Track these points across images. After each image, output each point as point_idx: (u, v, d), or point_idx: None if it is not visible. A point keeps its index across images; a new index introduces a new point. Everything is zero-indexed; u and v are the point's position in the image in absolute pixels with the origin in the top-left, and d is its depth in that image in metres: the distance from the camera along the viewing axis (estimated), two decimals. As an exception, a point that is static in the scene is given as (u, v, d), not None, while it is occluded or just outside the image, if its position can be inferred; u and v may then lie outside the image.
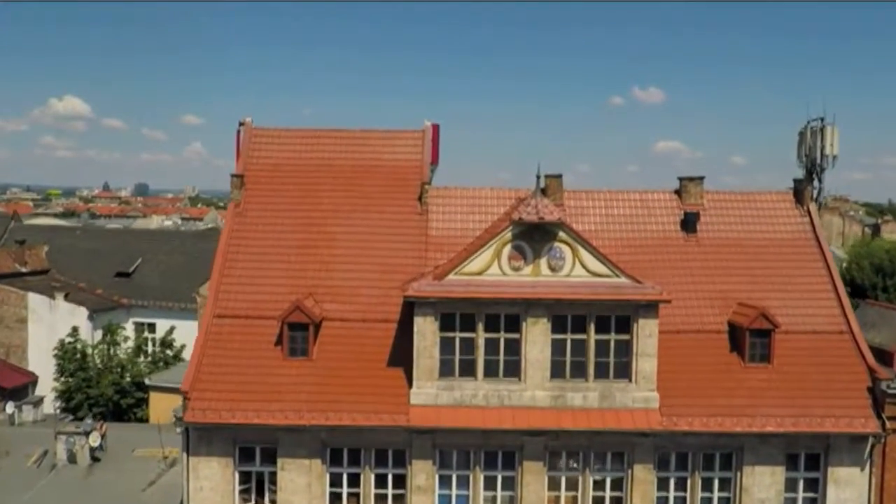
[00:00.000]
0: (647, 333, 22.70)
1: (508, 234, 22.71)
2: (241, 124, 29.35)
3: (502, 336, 22.76)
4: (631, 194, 28.18)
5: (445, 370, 22.81)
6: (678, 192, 28.16)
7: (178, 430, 22.66)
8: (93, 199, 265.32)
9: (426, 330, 22.63)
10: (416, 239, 26.59)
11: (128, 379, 39.62)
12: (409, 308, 22.94)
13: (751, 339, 24.08)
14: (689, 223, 27.19)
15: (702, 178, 28.03)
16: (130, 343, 43.10)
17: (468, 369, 22.81)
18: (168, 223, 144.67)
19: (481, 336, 22.72)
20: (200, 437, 22.80)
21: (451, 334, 22.76)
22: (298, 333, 23.79)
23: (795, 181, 28.69)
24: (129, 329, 44.96)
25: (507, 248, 22.71)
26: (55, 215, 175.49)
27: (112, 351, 41.93)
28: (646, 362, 22.75)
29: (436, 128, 29.62)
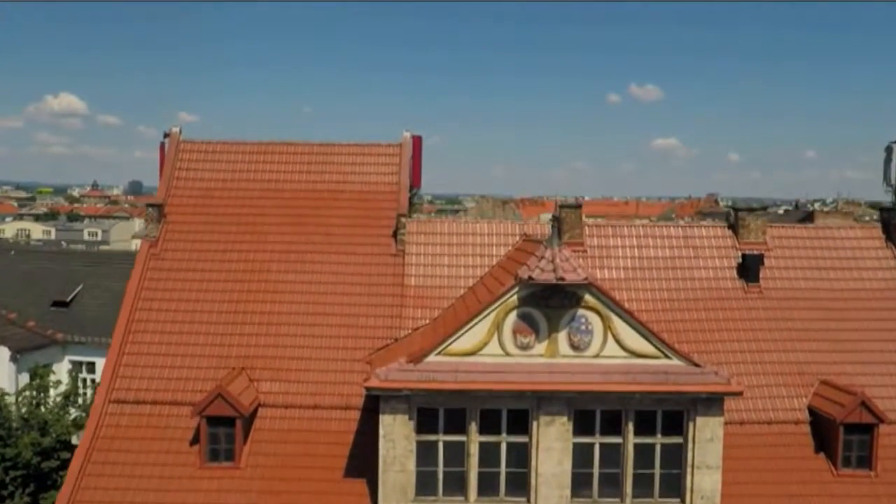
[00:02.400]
0: (707, 437, 16.20)
1: (513, 298, 16.10)
2: (165, 136, 22.78)
3: (504, 440, 16.33)
4: (671, 230, 21.67)
5: (425, 488, 16.35)
6: (732, 227, 21.62)
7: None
8: (81, 199, 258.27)
9: (396, 433, 16.07)
10: (390, 291, 20.17)
11: (51, 437, 32.86)
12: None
13: (845, 436, 17.61)
14: (749, 269, 20.66)
15: (765, 209, 21.57)
16: (63, 388, 36.29)
17: (456, 486, 16.40)
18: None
19: (475, 440, 16.25)
20: (79, 583, 16.27)
21: (432, 438, 16.29)
22: (221, 430, 17.31)
23: (883, 211, 22.19)
24: (63, 370, 38.13)
25: (512, 318, 16.10)
26: (36, 217, 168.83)
27: (41, 397, 35.10)
28: (705, 476, 16.27)
29: (417, 141, 23.03)
